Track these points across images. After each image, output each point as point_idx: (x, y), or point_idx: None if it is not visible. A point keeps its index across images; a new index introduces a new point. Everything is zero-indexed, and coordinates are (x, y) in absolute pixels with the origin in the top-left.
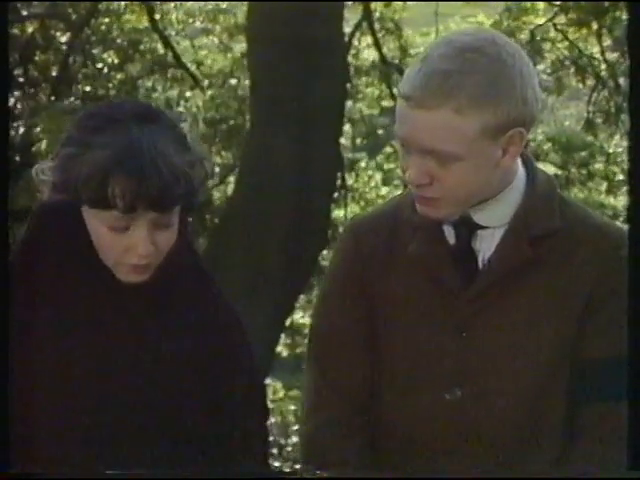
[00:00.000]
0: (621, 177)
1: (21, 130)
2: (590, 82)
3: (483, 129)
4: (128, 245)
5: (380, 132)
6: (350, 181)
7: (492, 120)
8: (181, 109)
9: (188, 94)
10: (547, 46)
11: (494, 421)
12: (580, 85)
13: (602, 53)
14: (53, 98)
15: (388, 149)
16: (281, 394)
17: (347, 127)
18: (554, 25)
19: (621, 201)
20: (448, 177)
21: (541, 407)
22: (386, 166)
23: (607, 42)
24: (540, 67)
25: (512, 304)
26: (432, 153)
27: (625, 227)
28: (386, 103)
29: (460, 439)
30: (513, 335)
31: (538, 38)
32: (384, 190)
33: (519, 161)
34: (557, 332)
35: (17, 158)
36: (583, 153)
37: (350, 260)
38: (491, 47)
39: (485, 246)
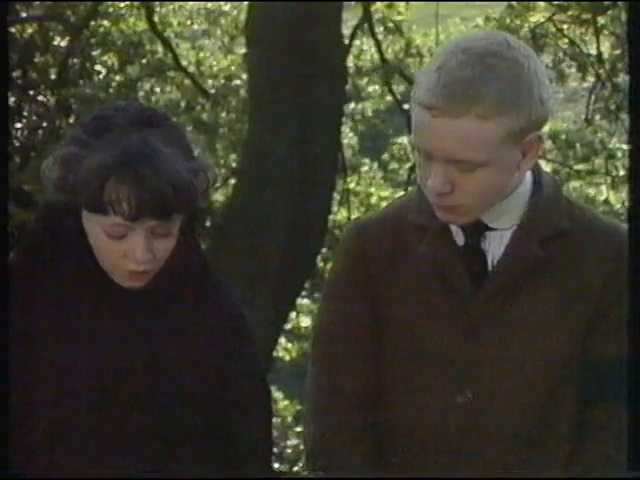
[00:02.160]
0: (622, 173)
1: (20, 132)
2: (590, 80)
3: (507, 134)
4: (126, 251)
5: (381, 134)
6: (352, 183)
7: (516, 124)
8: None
9: (187, 96)
10: (548, 44)
11: (505, 423)
12: (579, 85)
13: (599, 52)
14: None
15: (390, 151)
16: (280, 396)
17: (349, 129)
18: (554, 23)
19: (620, 200)
20: (470, 184)
21: (552, 408)
22: (389, 167)
23: (606, 41)
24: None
25: (522, 305)
26: (456, 162)
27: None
28: (387, 104)
29: (471, 441)
30: (524, 336)
31: (539, 36)
32: (387, 192)
33: None
34: (568, 333)
35: (17, 159)
36: (582, 152)
37: (354, 261)
38: (508, 51)
39: (494, 247)
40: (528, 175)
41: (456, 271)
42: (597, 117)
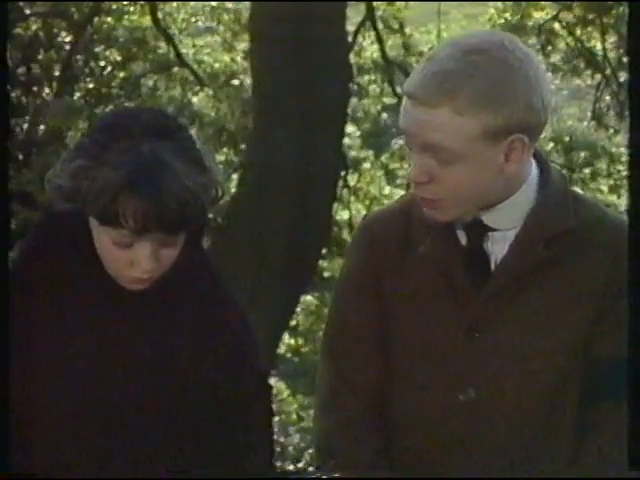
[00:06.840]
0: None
1: (24, 127)
2: (596, 78)
3: (482, 131)
4: (132, 260)
5: (383, 130)
6: (354, 180)
7: (492, 122)
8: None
9: (191, 93)
10: (553, 42)
11: (508, 421)
12: (584, 83)
13: (604, 50)
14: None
15: (392, 147)
16: (284, 394)
17: (351, 126)
18: (559, 22)
19: (624, 200)
20: (447, 177)
21: (555, 407)
22: (390, 165)
23: (611, 39)
24: (549, 61)
25: (525, 305)
26: (432, 149)
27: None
28: (389, 101)
29: (474, 439)
30: (526, 336)
31: (544, 34)
32: (387, 189)
33: (533, 161)
34: (571, 332)
35: (20, 156)
36: (584, 153)
37: (364, 256)
38: (498, 50)
39: (497, 248)
40: (534, 174)
41: (458, 270)
42: (604, 114)
